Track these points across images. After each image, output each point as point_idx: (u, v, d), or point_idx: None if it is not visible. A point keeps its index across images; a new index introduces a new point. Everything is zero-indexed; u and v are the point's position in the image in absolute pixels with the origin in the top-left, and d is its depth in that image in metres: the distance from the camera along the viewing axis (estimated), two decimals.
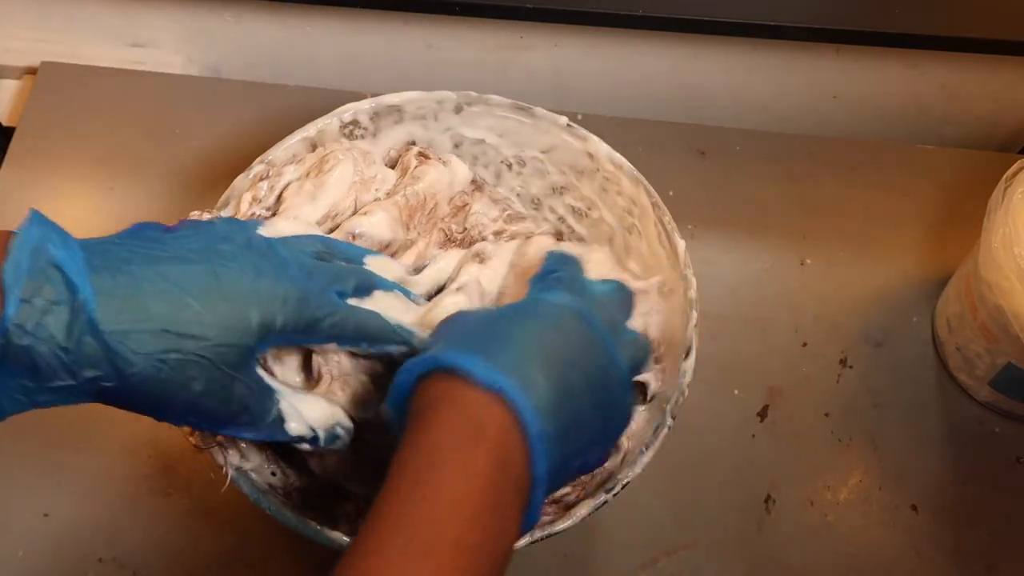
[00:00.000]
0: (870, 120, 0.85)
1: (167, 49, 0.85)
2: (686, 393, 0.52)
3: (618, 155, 0.59)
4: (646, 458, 0.50)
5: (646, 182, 0.58)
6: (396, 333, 0.46)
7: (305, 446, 0.45)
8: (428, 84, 0.61)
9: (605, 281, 0.47)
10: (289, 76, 0.84)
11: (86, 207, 0.74)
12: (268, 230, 0.45)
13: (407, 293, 0.50)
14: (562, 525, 0.48)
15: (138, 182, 0.75)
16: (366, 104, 0.60)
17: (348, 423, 0.46)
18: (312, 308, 0.42)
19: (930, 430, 0.67)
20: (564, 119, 0.60)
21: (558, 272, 0.47)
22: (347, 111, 0.59)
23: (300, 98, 0.79)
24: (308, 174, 0.55)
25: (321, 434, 0.45)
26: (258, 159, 0.58)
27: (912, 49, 0.76)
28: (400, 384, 0.38)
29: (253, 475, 0.49)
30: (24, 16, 0.83)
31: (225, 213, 0.53)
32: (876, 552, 0.63)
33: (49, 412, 0.65)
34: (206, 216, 0.47)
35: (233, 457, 0.48)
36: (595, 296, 0.46)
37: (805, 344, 0.70)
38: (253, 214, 0.54)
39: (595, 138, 0.60)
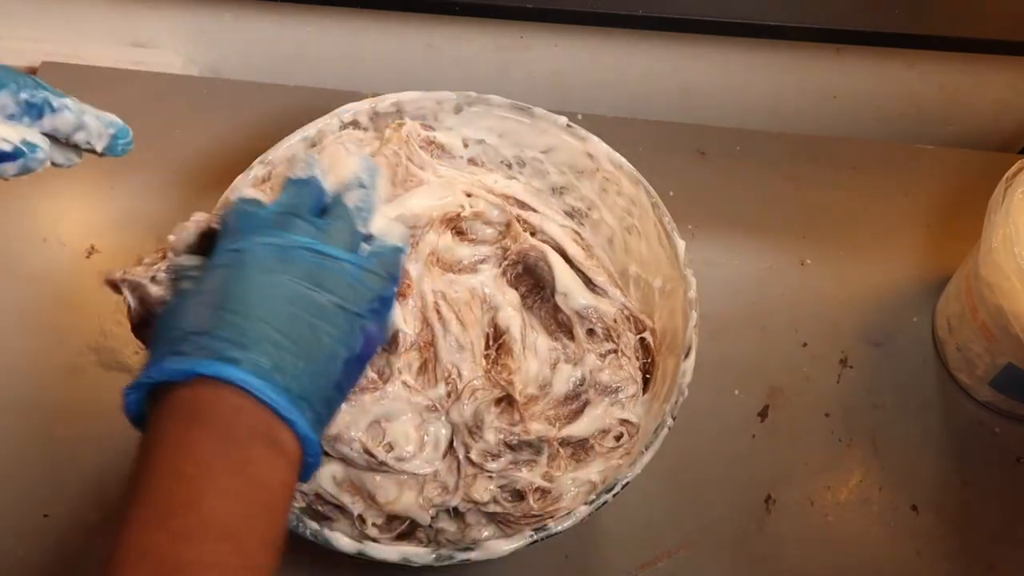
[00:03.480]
0: (870, 120, 0.85)
1: (167, 49, 0.85)
2: (686, 393, 0.52)
3: (618, 155, 0.59)
4: (646, 458, 0.50)
5: (646, 182, 0.58)
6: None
7: None
8: (428, 84, 0.61)
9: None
10: (289, 76, 0.84)
11: (87, 207, 0.74)
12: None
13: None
14: (562, 525, 0.48)
15: (138, 182, 0.75)
16: (366, 104, 0.60)
17: None
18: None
19: (930, 430, 0.67)
20: (564, 119, 0.60)
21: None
22: (347, 111, 0.60)
23: (300, 98, 0.79)
24: None
25: None
26: (258, 159, 0.58)
27: (912, 49, 0.76)
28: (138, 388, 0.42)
29: None
30: (24, 16, 0.83)
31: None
32: (876, 552, 0.62)
33: (47, 412, 0.66)
34: (202, 217, 0.46)
35: None
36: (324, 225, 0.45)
37: (805, 344, 0.70)
38: None
39: (595, 138, 0.60)
